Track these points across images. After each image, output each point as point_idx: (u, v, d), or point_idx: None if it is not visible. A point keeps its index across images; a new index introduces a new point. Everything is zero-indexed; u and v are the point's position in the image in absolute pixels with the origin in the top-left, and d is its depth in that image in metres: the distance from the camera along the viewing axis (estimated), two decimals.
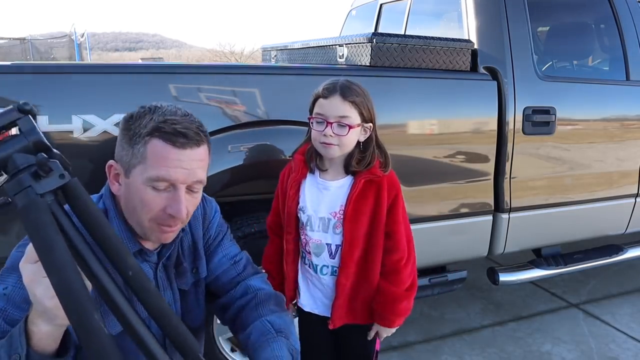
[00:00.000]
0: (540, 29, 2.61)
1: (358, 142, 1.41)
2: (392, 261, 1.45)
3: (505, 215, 2.35)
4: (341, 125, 1.34)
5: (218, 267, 1.23)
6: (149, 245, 1.06)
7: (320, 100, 1.38)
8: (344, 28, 4.05)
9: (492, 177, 2.29)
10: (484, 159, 2.25)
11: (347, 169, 1.43)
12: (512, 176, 2.31)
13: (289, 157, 1.58)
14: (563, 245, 2.72)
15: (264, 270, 1.60)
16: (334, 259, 1.46)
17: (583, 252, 2.79)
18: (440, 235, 2.24)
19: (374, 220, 1.42)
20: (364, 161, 1.41)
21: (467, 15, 2.39)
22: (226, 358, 2.03)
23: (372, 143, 1.42)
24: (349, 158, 1.42)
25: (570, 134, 2.46)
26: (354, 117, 1.35)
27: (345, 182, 1.43)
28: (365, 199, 1.41)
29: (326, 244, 1.46)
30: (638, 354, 2.50)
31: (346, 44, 2.27)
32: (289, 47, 3.07)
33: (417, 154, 2.12)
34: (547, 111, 2.32)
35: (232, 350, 2.06)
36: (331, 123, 1.34)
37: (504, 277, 2.51)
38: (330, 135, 1.34)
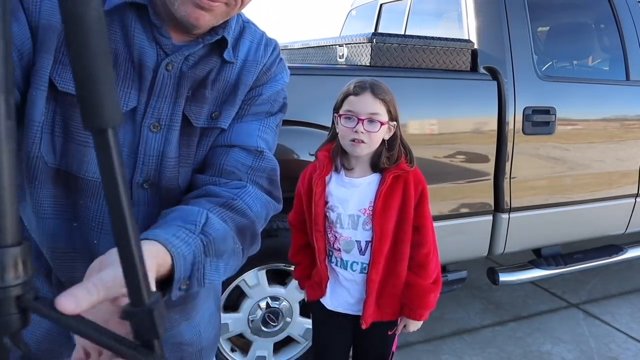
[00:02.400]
0: (540, 29, 2.61)
1: (383, 140, 1.45)
2: (421, 255, 1.49)
3: (505, 215, 2.35)
4: (372, 122, 1.38)
5: (241, 136, 0.85)
6: (174, 34, 0.79)
7: (351, 98, 1.41)
8: (344, 28, 4.06)
9: (492, 177, 2.29)
10: (484, 159, 2.25)
11: (375, 167, 1.46)
12: (512, 176, 2.31)
13: (312, 154, 1.60)
14: (563, 245, 2.72)
15: (293, 262, 1.63)
16: (364, 255, 1.49)
17: (583, 252, 2.79)
18: (441, 236, 2.23)
19: (401, 214, 1.46)
20: (392, 158, 1.45)
21: (467, 15, 2.39)
22: (226, 358, 2.03)
23: (397, 140, 1.47)
24: (375, 156, 1.46)
25: (570, 134, 2.45)
26: (383, 114, 1.40)
27: (373, 179, 1.47)
28: (393, 194, 1.44)
29: (356, 240, 1.48)
30: (638, 354, 2.50)
31: (346, 44, 2.27)
32: (289, 47, 3.07)
33: (417, 154, 2.08)
34: (547, 111, 2.32)
35: (232, 350, 2.06)
36: (362, 120, 1.38)
37: (504, 277, 2.51)
38: (362, 132, 1.38)
